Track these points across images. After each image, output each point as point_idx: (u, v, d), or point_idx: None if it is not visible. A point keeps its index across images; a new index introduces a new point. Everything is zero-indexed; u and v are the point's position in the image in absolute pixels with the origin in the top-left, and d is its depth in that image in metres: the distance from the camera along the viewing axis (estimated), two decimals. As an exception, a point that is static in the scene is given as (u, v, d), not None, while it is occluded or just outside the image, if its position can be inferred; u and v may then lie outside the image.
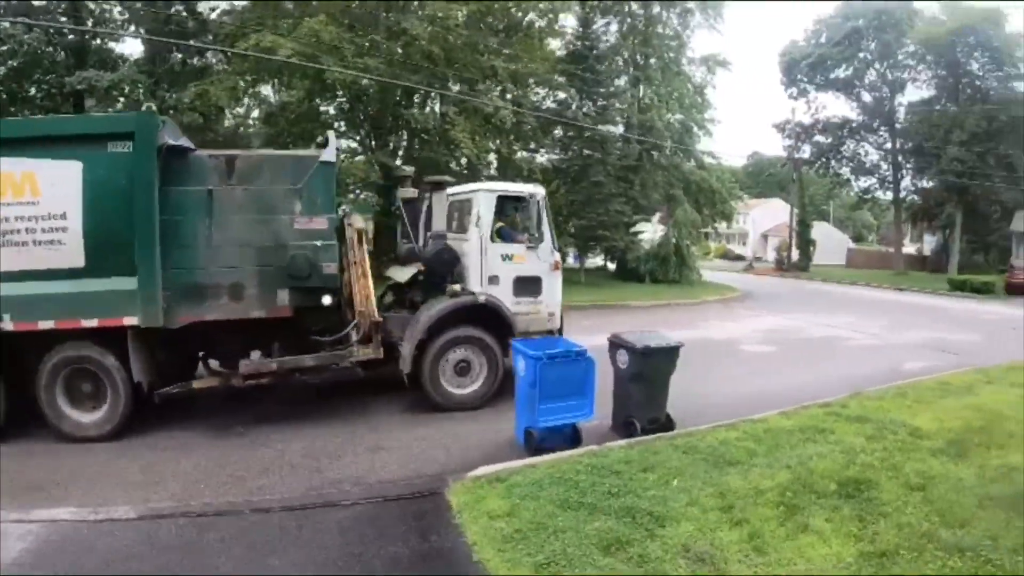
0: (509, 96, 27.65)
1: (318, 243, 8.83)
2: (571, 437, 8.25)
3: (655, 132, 33.82)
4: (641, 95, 36.26)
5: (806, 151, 58.06)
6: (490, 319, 10.24)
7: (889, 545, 5.48)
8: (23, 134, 8.30)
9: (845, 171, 59.60)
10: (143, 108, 8.89)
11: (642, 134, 33.37)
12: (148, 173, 8.12)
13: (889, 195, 58.25)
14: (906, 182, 56.07)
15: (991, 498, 6.48)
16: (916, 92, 53.96)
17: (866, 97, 55.14)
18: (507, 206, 10.91)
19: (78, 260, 8.17)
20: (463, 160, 25.67)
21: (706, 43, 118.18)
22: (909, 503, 6.35)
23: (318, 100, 26.84)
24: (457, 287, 10.27)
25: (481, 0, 25.08)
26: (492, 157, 28.78)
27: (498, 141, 27.38)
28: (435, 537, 5.91)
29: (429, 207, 11.26)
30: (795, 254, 54.10)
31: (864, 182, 59.40)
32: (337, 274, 9.16)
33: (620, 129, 35.04)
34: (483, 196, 10.56)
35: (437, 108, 27.61)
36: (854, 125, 56.10)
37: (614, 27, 37.20)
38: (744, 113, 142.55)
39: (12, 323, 8.13)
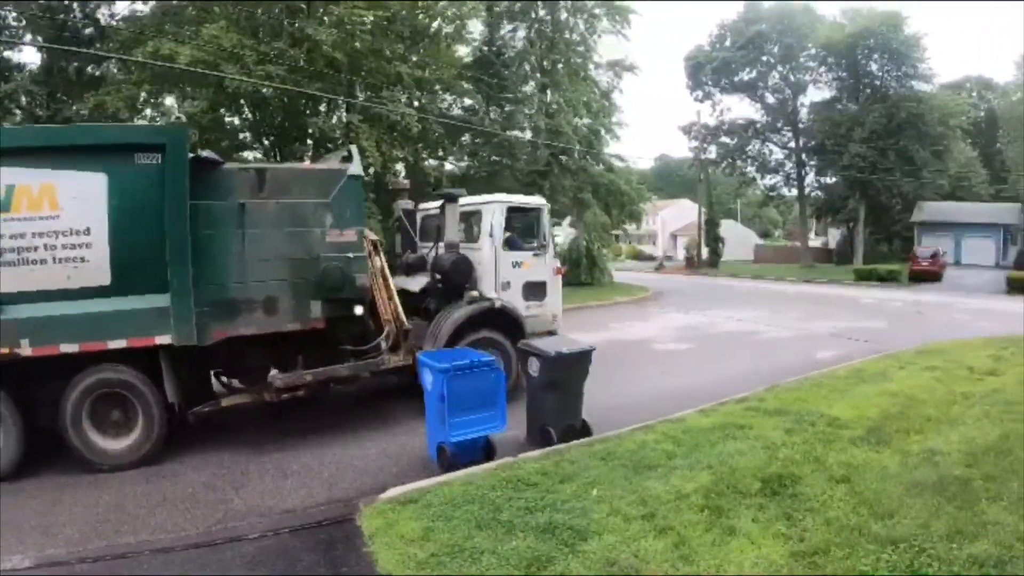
0: (416, 104, 27.23)
1: (350, 255, 8.85)
2: (485, 450, 7.82)
3: (563, 137, 33.75)
4: (548, 100, 36.13)
5: (712, 152, 59.58)
6: (505, 323, 10.71)
7: (819, 543, 5.26)
8: (40, 143, 7.67)
9: (751, 170, 61.58)
10: (174, 120, 8.93)
11: (550, 139, 33.30)
12: (180, 187, 7.77)
13: (794, 192, 60.27)
14: (810, 179, 58.36)
15: (917, 484, 6.39)
16: (817, 93, 56.50)
17: (770, 99, 57.15)
18: (514, 217, 11.49)
19: (103, 278, 7.66)
20: (371, 170, 25.13)
21: (613, 48, 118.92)
22: (835, 496, 6.18)
23: (223, 111, 25.82)
24: (475, 293, 10.67)
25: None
26: (400, 166, 28.31)
27: (405, 149, 26.90)
28: (346, 568, 5.43)
29: (428, 218, 12.06)
30: (704, 252, 55.05)
31: (769, 180, 61.54)
32: (369, 285, 9.30)
33: (528, 135, 34.91)
34: (496, 208, 11.14)
35: (343, 117, 27.02)
36: (758, 126, 58.06)
37: (521, 33, 37.05)
38: (651, 116, 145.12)
39: (31, 348, 7.43)
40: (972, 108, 59.49)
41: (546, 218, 11.76)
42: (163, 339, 7.89)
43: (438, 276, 10.70)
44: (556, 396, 8.36)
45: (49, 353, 7.50)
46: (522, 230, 11.77)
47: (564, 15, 36.63)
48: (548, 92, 36.33)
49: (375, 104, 24.59)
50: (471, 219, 11.58)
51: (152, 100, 25.69)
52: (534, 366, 8.43)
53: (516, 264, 11.20)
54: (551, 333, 11.26)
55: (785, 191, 63.04)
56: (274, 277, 8.58)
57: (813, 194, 59.72)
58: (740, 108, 66.08)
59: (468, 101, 33.01)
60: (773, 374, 12.15)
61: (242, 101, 24.77)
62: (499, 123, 32.67)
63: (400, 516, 6.04)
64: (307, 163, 10.43)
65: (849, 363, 13.13)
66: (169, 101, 27.13)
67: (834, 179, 55.22)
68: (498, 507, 6.05)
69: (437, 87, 29.62)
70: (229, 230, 8.29)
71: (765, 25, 52.06)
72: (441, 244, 11.06)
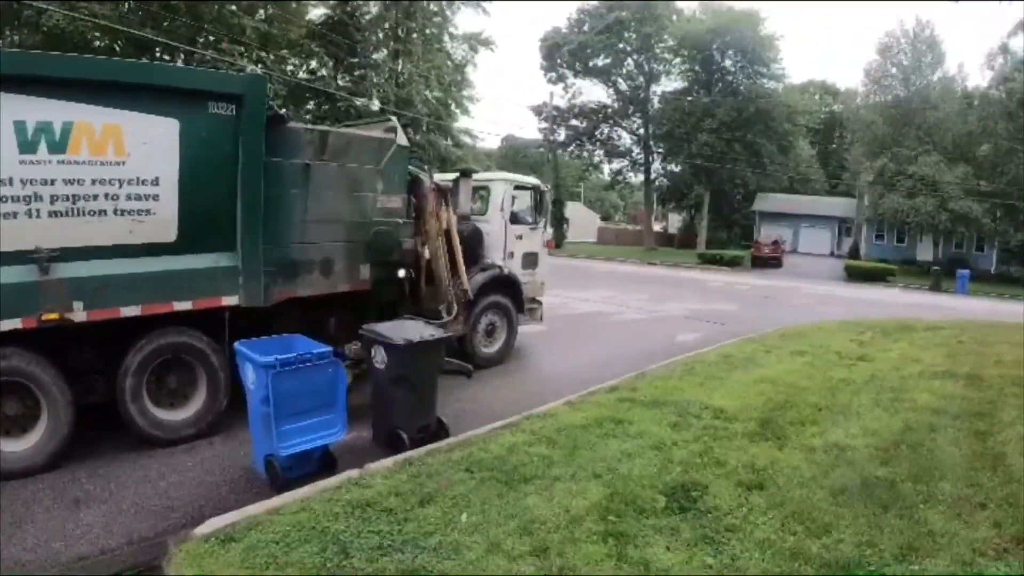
0: (260, 66, 25.19)
1: (399, 220, 9.31)
2: (323, 462, 6.35)
3: (412, 108, 32.46)
4: (400, 69, 34.69)
5: (561, 134, 59.52)
6: (509, 288, 11.68)
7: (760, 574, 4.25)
8: (106, 77, 6.62)
9: (599, 154, 62.06)
10: (249, 70, 7.40)
11: (399, 109, 31.87)
12: (256, 142, 7.42)
13: (640, 177, 61.25)
14: (656, 165, 59.22)
15: (841, 490, 5.57)
16: (670, 83, 57.77)
17: (623, 85, 57.82)
18: (517, 194, 12.37)
19: (169, 234, 7.02)
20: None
21: (470, 21, 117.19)
22: (754, 509, 5.20)
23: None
24: (489, 261, 11.51)
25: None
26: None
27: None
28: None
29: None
30: (550, 232, 54.94)
31: (617, 164, 62.28)
32: (414, 250, 9.63)
33: (376, 104, 33.33)
34: (505, 186, 12.04)
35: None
36: (609, 111, 58.31)
37: (377, -4, 35.37)
38: (501, 94, 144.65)
39: (85, 312, 6.48)
40: (817, 109, 62.29)
41: (545, 196, 12.92)
42: (230, 300, 7.47)
43: None
44: (408, 391, 7.04)
45: (107, 317, 6.66)
46: (522, 206, 12.59)
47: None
48: (400, 61, 34.89)
49: (216, 59, 22.42)
50: (477, 193, 12.16)
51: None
52: (380, 356, 7.06)
53: (518, 236, 12.14)
54: (536, 301, 12.63)
55: (631, 176, 64.08)
56: (332, 239, 8.62)
57: (658, 180, 60.92)
58: (593, 92, 66.59)
59: (314, 64, 31.15)
60: (637, 358, 11.54)
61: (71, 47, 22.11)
62: (347, 89, 30.94)
63: (219, 562, 4.42)
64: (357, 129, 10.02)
65: (714, 347, 12.69)
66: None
67: (680, 167, 56.62)
68: (344, 546, 4.54)
69: (284, 50, 27.59)
70: (294, 190, 8.17)
71: (625, 13, 52.37)
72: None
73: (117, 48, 22.51)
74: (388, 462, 6.17)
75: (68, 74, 6.39)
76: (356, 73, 31.99)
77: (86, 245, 6.52)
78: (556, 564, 4.36)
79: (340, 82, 31.48)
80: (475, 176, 12.13)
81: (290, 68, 30.30)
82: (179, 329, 7.23)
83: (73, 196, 6.39)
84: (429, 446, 6.67)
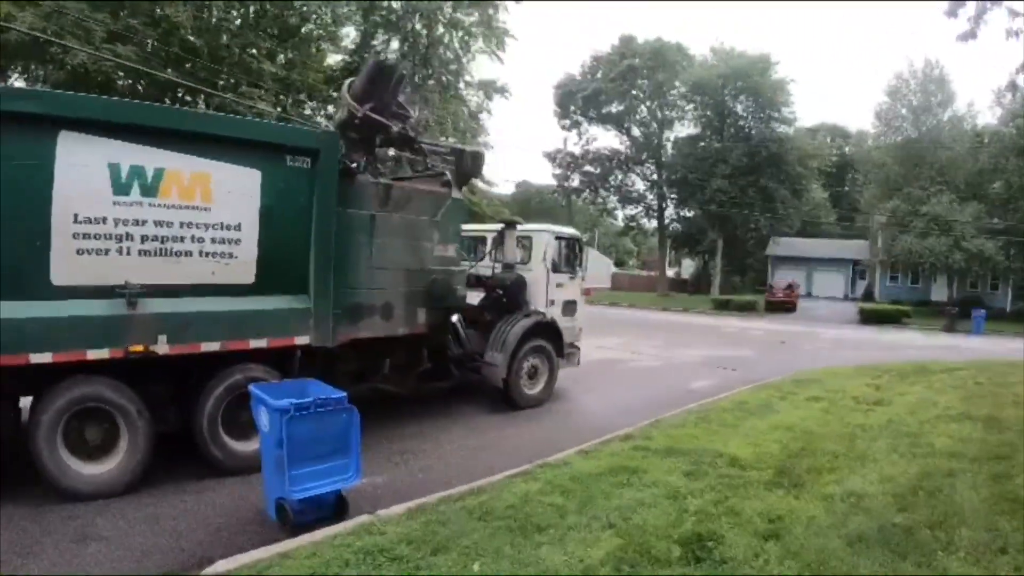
0: (279, 109, 25.50)
1: (454, 268, 9.94)
2: (335, 506, 6.30)
3: (428, 154, 32.71)
4: (416, 115, 35.03)
5: (575, 180, 59.84)
6: (551, 333, 12.09)
7: (778, 631, 4.12)
8: (196, 128, 7.22)
9: (613, 200, 62.20)
10: (323, 128, 8.63)
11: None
12: (330, 193, 7.98)
13: (654, 223, 61.29)
14: (670, 211, 59.22)
15: (858, 538, 5.47)
16: (683, 128, 58.23)
17: (636, 131, 58.15)
18: (558, 244, 12.92)
19: (248, 276, 7.51)
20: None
21: (485, 68, 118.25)
22: (771, 560, 5.11)
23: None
24: (533, 307, 12.03)
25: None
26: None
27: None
28: None
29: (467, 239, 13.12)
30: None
31: (630, 210, 62.25)
32: (465, 295, 10.45)
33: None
34: (547, 236, 12.66)
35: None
36: (623, 157, 58.63)
37: (395, 44, 35.74)
38: (515, 140, 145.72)
39: (168, 345, 6.90)
40: (828, 152, 62.55)
41: (583, 247, 13.57)
42: (301, 340, 7.92)
43: (499, 291, 11.94)
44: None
45: (188, 351, 7.10)
46: (562, 256, 13.02)
47: (440, 30, 35.63)
48: (416, 107, 35.22)
49: (236, 101, 22.75)
50: (520, 243, 12.77)
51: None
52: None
53: (559, 285, 12.66)
54: (574, 346, 13.05)
55: (645, 222, 64.16)
56: (393, 285, 9.15)
57: (672, 226, 60.98)
58: (606, 138, 67.17)
59: (331, 108, 31.48)
60: (651, 406, 11.39)
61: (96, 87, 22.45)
62: (364, 133, 31.25)
63: (226, 605, 4.32)
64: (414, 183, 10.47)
65: (728, 394, 12.59)
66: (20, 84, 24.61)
67: (694, 212, 56.67)
68: (354, 598, 4.43)
69: (302, 95, 27.95)
70: (361, 238, 8.68)
71: (638, 60, 52.89)
72: (498, 264, 12.47)
73: (140, 88, 22.89)
74: (401, 508, 6.15)
75: (161, 123, 6.90)
76: (373, 117, 32.31)
77: (172, 283, 6.96)
78: (570, 615, 4.25)
79: (357, 127, 31.75)
80: (519, 227, 12.75)
81: (308, 112, 30.56)
82: (254, 366, 7.60)
83: (162, 237, 6.82)
84: (441, 496, 6.60)
